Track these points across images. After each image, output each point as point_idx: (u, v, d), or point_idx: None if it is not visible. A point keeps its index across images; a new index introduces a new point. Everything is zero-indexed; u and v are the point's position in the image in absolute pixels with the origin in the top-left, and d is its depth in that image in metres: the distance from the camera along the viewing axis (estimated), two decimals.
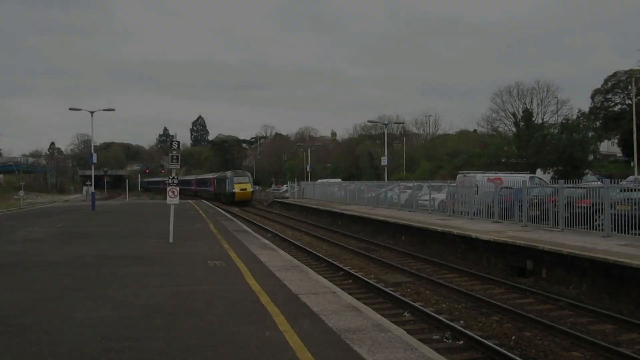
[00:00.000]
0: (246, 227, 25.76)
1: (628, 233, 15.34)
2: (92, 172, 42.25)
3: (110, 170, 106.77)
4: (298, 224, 33.96)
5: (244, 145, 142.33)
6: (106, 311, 8.65)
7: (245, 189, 57.14)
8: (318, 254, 19.58)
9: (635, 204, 15.50)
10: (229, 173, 61.44)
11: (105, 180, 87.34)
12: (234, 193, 56.41)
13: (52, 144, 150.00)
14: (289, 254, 17.21)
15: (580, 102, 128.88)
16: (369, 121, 78.58)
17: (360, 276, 15.15)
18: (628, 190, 16.49)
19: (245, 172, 64.69)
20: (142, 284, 11.02)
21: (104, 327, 7.68)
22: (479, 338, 9.27)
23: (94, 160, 39.91)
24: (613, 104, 68.84)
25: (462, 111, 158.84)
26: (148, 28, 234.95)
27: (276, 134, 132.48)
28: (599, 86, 69.80)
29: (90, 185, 46.87)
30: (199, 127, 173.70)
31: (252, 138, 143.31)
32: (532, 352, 9.03)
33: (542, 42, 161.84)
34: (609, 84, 67.85)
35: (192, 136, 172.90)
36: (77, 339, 7.16)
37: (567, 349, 9.12)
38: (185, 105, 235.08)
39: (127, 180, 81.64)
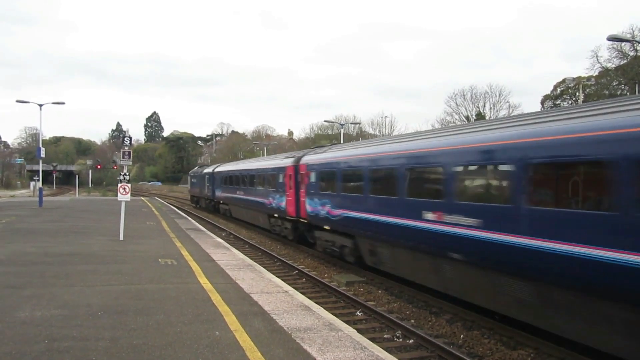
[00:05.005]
0: (200, 226, 25.46)
1: None
2: (40, 167, 40.87)
3: (60, 165, 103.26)
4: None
5: (199, 142, 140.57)
6: (51, 310, 8.40)
7: None
8: (272, 253, 19.49)
9: None
10: None
11: (55, 175, 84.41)
12: None
13: None
14: (242, 252, 17.11)
15: (531, 106, 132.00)
16: (325, 121, 78.59)
17: (314, 276, 15.17)
18: None
19: None
20: (89, 283, 10.76)
21: (48, 327, 7.46)
22: (428, 337, 9.40)
23: (42, 154, 38.63)
24: None
25: (417, 113, 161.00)
26: (94, 20, 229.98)
27: (232, 131, 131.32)
28: (548, 92, 72.18)
29: (38, 180, 45.26)
30: (153, 123, 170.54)
31: (208, 135, 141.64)
32: (480, 350, 9.22)
33: (494, 46, 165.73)
34: (558, 90, 70.18)
35: (147, 132, 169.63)
36: (19, 338, 6.92)
37: (512, 348, 9.34)
38: (139, 101, 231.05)
39: (77, 176, 79.38)
